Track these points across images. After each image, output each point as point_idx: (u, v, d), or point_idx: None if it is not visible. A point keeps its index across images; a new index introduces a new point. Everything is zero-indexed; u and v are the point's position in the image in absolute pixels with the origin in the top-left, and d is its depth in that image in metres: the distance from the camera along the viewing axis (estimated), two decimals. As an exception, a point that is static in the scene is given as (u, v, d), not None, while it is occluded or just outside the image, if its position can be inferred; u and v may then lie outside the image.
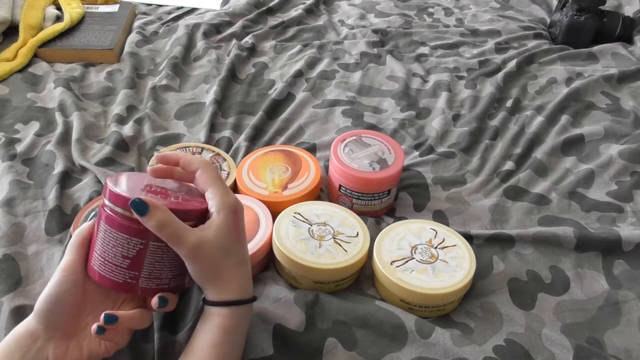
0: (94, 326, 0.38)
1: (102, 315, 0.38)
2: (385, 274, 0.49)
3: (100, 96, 0.81)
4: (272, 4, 1.09)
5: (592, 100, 0.83)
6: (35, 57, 0.87)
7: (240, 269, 0.41)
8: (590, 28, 0.95)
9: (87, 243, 0.41)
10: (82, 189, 0.62)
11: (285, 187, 0.60)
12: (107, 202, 0.38)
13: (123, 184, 0.39)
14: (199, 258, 0.38)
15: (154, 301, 0.39)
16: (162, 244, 0.38)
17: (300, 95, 0.82)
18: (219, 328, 0.40)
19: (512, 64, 0.90)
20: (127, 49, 0.91)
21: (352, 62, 0.92)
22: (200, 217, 0.40)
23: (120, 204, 0.37)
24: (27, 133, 0.71)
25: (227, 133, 0.74)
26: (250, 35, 0.97)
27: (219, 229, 0.39)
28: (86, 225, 0.41)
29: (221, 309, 0.40)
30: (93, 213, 0.41)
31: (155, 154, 0.41)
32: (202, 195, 0.42)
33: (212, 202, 0.40)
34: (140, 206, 0.36)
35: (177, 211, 0.38)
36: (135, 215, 0.36)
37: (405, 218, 0.62)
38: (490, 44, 0.98)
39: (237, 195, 0.58)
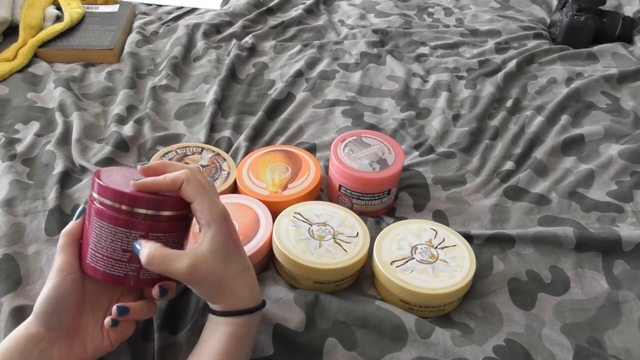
0: (108, 319, 0.40)
1: (115, 308, 0.39)
2: (385, 274, 0.49)
3: (100, 96, 0.81)
4: (272, 4, 1.09)
5: (592, 100, 0.83)
6: (35, 57, 0.87)
7: (245, 277, 0.41)
8: (590, 28, 0.95)
9: (78, 241, 0.40)
10: (82, 189, 0.62)
11: (285, 187, 0.60)
12: (101, 198, 0.38)
13: (113, 179, 0.39)
14: (197, 279, 0.38)
15: (155, 291, 0.39)
16: (161, 235, 0.38)
17: (300, 95, 0.82)
18: (231, 337, 0.39)
19: (512, 64, 0.90)
20: (127, 49, 0.91)
21: (352, 62, 0.92)
22: (185, 203, 0.39)
23: (117, 199, 0.37)
24: (27, 133, 0.71)
25: (227, 133, 0.74)
26: (250, 35, 0.97)
27: (213, 242, 0.38)
28: (73, 224, 0.41)
29: (232, 318, 0.40)
30: (79, 210, 0.41)
31: (138, 166, 0.40)
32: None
33: (201, 214, 0.38)
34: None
35: (166, 201, 0.38)
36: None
37: (405, 218, 0.62)
38: (490, 44, 0.98)
39: (237, 196, 0.59)
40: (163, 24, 1.01)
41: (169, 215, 0.39)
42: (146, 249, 0.37)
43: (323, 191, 0.65)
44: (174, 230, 0.40)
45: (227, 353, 0.39)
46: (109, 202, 0.37)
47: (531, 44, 0.98)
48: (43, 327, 0.38)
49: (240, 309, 0.40)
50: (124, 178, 0.40)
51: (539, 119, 0.77)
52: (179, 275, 0.37)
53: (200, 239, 0.39)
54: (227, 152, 0.70)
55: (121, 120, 0.74)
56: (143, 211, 0.37)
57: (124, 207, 0.37)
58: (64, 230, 0.41)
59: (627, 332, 0.51)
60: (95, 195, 0.38)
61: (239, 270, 0.40)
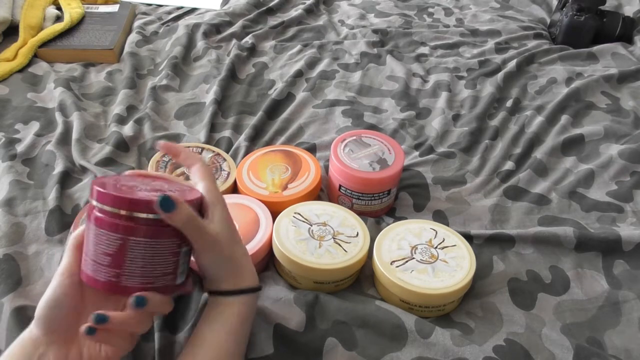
0: (83, 326, 0.37)
1: (92, 315, 0.36)
2: (385, 274, 0.49)
3: (100, 96, 0.81)
4: (272, 4, 1.09)
5: (592, 100, 0.83)
6: (35, 57, 0.87)
7: (247, 258, 0.43)
8: (590, 28, 0.95)
9: (82, 245, 0.40)
10: (82, 189, 0.62)
11: (285, 187, 0.60)
12: (92, 201, 0.37)
13: (109, 183, 0.38)
14: (220, 247, 0.40)
15: (130, 300, 0.36)
16: (142, 240, 0.37)
17: (300, 95, 0.82)
18: (236, 316, 0.41)
19: (512, 64, 0.90)
20: (127, 49, 0.91)
21: (352, 62, 0.92)
22: (199, 206, 0.41)
23: (107, 201, 0.36)
24: (27, 133, 0.71)
25: (227, 133, 0.74)
26: (250, 35, 0.97)
27: (222, 220, 0.40)
28: (81, 227, 0.41)
29: (239, 297, 0.41)
30: (86, 214, 0.41)
31: (160, 142, 0.42)
32: (186, 189, 0.42)
33: (208, 194, 0.41)
34: (168, 203, 0.36)
35: (141, 202, 0.37)
36: (162, 214, 0.36)
37: (405, 218, 0.62)
38: (490, 44, 0.98)
39: (237, 196, 0.59)
40: (163, 24, 1.01)
41: (144, 218, 0.37)
42: (186, 208, 0.37)
43: (323, 191, 0.65)
44: (157, 237, 0.37)
45: (234, 332, 0.41)
46: (97, 204, 0.36)
47: (531, 44, 0.98)
48: (41, 331, 0.38)
49: (246, 287, 0.42)
50: (121, 183, 0.39)
51: (539, 119, 0.77)
52: (210, 236, 0.38)
53: (210, 216, 0.40)
54: (227, 152, 0.70)
55: (121, 120, 0.74)
56: (123, 212, 0.36)
57: (106, 208, 0.36)
58: (74, 233, 0.41)
59: (627, 332, 0.51)
60: (92, 200, 0.37)
61: (243, 251, 0.43)
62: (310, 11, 1.09)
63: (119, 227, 0.36)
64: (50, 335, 0.38)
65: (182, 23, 0.99)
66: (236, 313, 0.41)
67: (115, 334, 0.39)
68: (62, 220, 0.58)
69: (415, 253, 0.52)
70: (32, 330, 0.38)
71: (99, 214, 0.37)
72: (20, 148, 0.68)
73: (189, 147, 0.67)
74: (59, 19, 0.95)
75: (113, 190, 0.37)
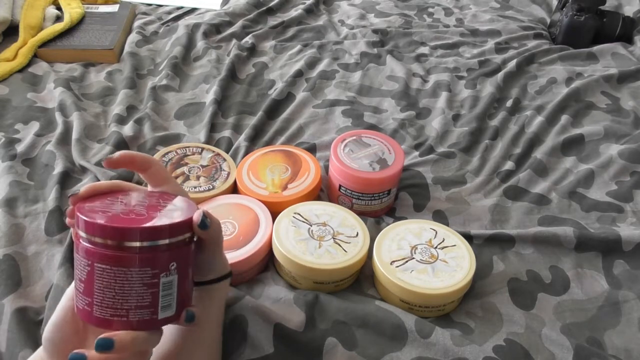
0: None
1: (70, 354, 0.34)
2: (385, 274, 0.49)
3: (100, 96, 0.81)
4: (272, 4, 1.09)
5: (592, 100, 0.83)
6: (35, 57, 0.87)
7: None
8: (590, 28, 0.95)
9: None
10: (82, 189, 0.62)
11: (285, 187, 0.60)
12: (77, 230, 0.36)
13: (89, 208, 0.36)
14: (220, 243, 0.40)
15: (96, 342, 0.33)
16: (108, 267, 0.34)
17: (300, 95, 0.82)
18: (223, 299, 0.44)
19: (512, 64, 0.90)
20: (127, 49, 0.91)
21: (352, 62, 0.92)
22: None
23: (80, 225, 0.35)
24: (27, 133, 0.71)
25: (227, 133, 0.74)
26: (250, 35, 0.97)
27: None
28: None
29: (221, 282, 0.43)
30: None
31: (104, 160, 0.39)
32: (159, 206, 0.39)
33: (183, 195, 0.42)
34: (205, 221, 0.36)
35: (182, 225, 0.36)
36: (201, 233, 0.36)
37: (405, 218, 0.62)
38: (490, 44, 0.98)
39: (237, 196, 0.59)
40: (163, 24, 1.01)
41: (109, 244, 0.34)
42: (214, 218, 0.38)
43: (323, 191, 0.65)
44: (121, 264, 0.34)
45: (221, 313, 0.44)
46: (80, 232, 0.35)
47: (531, 44, 0.98)
48: (46, 353, 0.37)
49: (226, 272, 0.44)
50: (103, 206, 0.37)
51: (539, 119, 0.77)
52: (215, 221, 0.38)
53: None
54: (227, 152, 0.70)
55: (121, 120, 0.74)
56: (88, 236, 0.35)
57: (80, 233, 0.35)
58: None
59: (627, 332, 0.51)
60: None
61: None
62: (310, 11, 1.09)
63: (87, 251, 0.34)
64: (54, 359, 0.37)
65: (182, 23, 0.99)
66: (223, 297, 0.44)
67: None
68: (61, 220, 0.58)
69: (415, 253, 0.52)
70: (40, 351, 0.38)
71: (76, 240, 0.36)
72: (20, 148, 0.68)
73: (188, 147, 0.67)
74: (59, 19, 0.95)
75: (86, 213, 0.35)
